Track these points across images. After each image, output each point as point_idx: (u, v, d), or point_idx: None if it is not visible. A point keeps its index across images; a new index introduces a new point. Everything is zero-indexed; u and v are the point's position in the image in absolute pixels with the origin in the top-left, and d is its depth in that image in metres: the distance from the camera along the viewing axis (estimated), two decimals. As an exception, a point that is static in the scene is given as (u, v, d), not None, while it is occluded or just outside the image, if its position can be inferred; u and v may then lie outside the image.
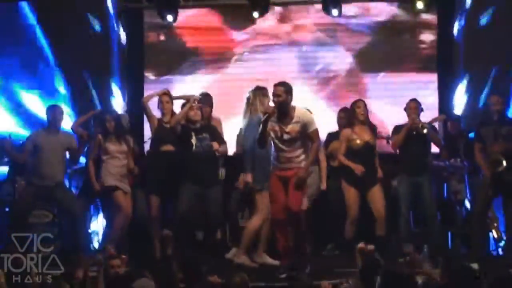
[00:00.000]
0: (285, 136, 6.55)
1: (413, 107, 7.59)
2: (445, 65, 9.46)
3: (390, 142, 7.80)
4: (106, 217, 8.01)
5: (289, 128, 6.53)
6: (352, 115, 7.51)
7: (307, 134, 6.56)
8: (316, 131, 6.62)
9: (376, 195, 7.30)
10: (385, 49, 9.66)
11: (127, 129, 7.78)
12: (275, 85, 6.59)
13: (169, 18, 9.50)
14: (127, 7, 9.98)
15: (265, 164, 6.89)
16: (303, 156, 6.58)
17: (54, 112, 7.58)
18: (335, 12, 9.30)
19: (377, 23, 9.67)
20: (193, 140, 7.21)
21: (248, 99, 7.17)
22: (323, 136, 7.96)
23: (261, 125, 6.54)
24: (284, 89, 6.53)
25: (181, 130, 7.31)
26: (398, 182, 7.67)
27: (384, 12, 9.68)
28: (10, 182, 8.21)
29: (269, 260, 7.12)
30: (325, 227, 7.83)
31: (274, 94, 6.57)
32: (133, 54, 10.02)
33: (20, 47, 9.64)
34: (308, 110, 7.03)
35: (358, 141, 7.35)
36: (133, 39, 10.01)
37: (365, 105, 7.49)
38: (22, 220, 7.39)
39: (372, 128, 7.48)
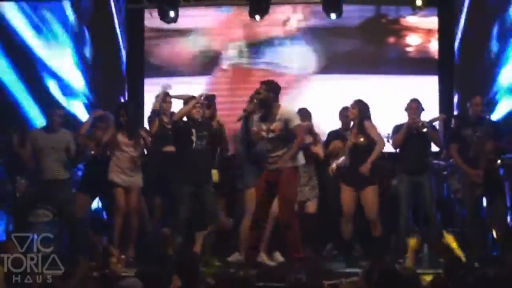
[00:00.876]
0: (270, 135, 6.60)
1: (414, 107, 7.60)
2: (446, 67, 9.48)
3: (390, 141, 7.80)
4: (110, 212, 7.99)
5: (273, 126, 6.58)
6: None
7: (290, 131, 6.58)
8: (300, 126, 6.64)
9: (369, 196, 7.22)
10: (385, 51, 9.66)
11: (139, 122, 7.80)
12: (260, 83, 6.70)
13: (171, 13, 9.48)
14: (127, 7, 10.00)
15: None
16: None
17: (53, 115, 7.54)
18: (333, 15, 9.28)
19: (378, 25, 9.68)
20: (194, 137, 7.20)
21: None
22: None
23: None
24: (266, 87, 6.62)
25: (182, 126, 7.30)
26: (398, 181, 7.67)
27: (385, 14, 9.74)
28: (10, 181, 8.21)
29: (266, 261, 7.19)
30: (324, 227, 7.81)
31: (255, 92, 6.68)
32: (133, 53, 10.03)
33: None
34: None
35: (349, 142, 7.33)
36: (134, 40, 10.03)
37: (356, 107, 7.37)
38: (22, 219, 7.38)
39: (365, 129, 7.40)
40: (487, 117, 7.47)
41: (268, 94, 6.60)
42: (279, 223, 6.93)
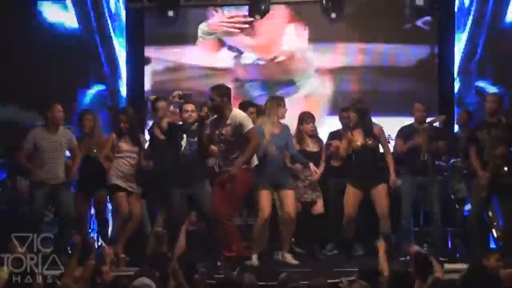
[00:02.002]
0: (222, 139, 6.61)
1: (420, 109, 7.62)
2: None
3: (391, 142, 7.79)
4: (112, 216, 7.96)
5: (224, 131, 6.58)
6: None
7: (243, 136, 6.56)
8: (252, 130, 6.59)
9: (380, 194, 7.26)
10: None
11: (139, 128, 7.77)
12: (210, 89, 6.67)
13: (170, 13, 9.46)
14: (128, 7, 10.01)
15: (274, 165, 7.05)
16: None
17: (53, 110, 7.32)
18: (333, 14, 9.23)
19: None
20: (183, 142, 7.08)
21: (263, 106, 7.31)
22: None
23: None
24: (217, 93, 6.59)
25: (169, 129, 7.16)
26: (401, 181, 7.65)
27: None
28: (11, 182, 8.19)
29: (291, 261, 7.19)
30: (324, 227, 7.80)
31: (209, 98, 6.64)
32: (134, 54, 10.05)
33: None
34: None
35: (358, 143, 7.34)
36: (134, 40, 10.04)
37: (354, 112, 7.40)
38: (37, 223, 7.31)
39: (367, 131, 7.38)
40: (503, 118, 7.41)
41: (222, 100, 6.57)
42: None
